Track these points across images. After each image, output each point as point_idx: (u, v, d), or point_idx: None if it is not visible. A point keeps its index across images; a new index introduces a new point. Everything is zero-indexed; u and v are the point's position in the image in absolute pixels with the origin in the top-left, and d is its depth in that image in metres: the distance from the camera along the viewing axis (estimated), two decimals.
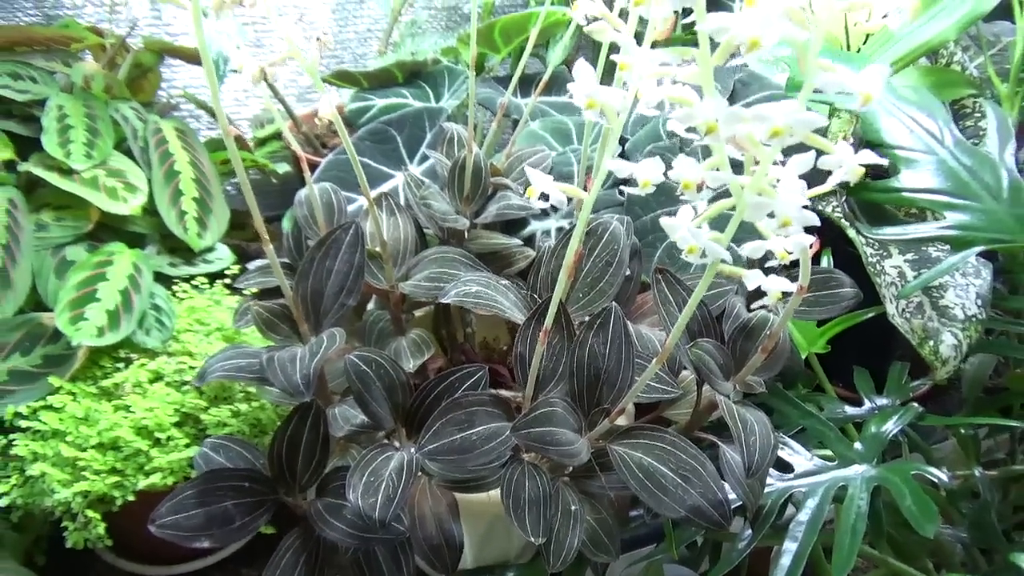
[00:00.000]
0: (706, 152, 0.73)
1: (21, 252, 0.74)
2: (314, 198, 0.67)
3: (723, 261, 0.43)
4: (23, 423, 0.65)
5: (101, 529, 0.64)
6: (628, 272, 0.64)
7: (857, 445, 0.66)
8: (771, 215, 0.40)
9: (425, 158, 0.90)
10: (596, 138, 0.80)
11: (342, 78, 1.02)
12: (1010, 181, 0.68)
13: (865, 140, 0.70)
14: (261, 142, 1.12)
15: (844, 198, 0.75)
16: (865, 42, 0.83)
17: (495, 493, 0.55)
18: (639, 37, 0.44)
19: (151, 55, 0.99)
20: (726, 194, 0.41)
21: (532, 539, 0.51)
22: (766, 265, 0.49)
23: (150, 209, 0.82)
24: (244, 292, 0.71)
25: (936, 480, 0.64)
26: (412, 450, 0.54)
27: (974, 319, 0.71)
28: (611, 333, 0.55)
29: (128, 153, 0.85)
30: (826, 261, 0.78)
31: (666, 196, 0.76)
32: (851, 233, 0.73)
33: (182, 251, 0.84)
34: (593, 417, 0.55)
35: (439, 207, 0.71)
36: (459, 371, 0.58)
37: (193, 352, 0.73)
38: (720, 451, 0.56)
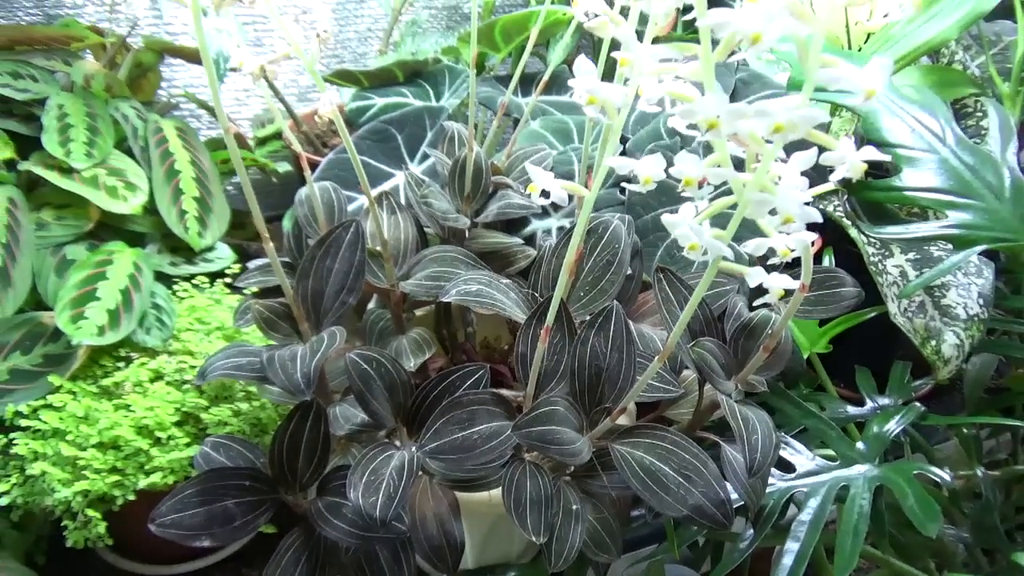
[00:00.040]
0: (707, 150, 0.73)
1: (21, 251, 0.74)
2: (315, 197, 0.67)
3: (724, 258, 0.43)
4: (23, 422, 0.65)
5: (101, 528, 0.64)
6: (629, 271, 0.64)
7: (859, 445, 0.66)
8: (773, 212, 0.40)
9: (426, 157, 0.90)
10: (597, 137, 0.79)
11: (343, 77, 1.02)
12: (1012, 180, 0.68)
13: (867, 139, 0.69)
14: (261, 141, 1.12)
15: (846, 197, 0.75)
16: (866, 41, 0.83)
17: (496, 492, 0.55)
18: (640, 35, 0.44)
19: (151, 54, 0.99)
20: (728, 191, 0.41)
21: (533, 538, 0.51)
22: (767, 265, 0.49)
23: (150, 208, 0.82)
24: (244, 291, 0.70)
25: (938, 480, 0.63)
26: (413, 449, 0.54)
27: (976, 318, 0.70)
28: (612, 332, 0.55)
29: (128, 152, 0.85)
30: (828, 260, 0.78)
31: (667, 195, 0.76)
32: (853, 232, 0.72)
33: (182, 250, 0.84)
34: (594, 416, 0.55)
35: (440, 206, 0.71)
36: (460, 370, 0.58)
37: (194, 351, 0.73)
38: (722, 451, 0.56)
